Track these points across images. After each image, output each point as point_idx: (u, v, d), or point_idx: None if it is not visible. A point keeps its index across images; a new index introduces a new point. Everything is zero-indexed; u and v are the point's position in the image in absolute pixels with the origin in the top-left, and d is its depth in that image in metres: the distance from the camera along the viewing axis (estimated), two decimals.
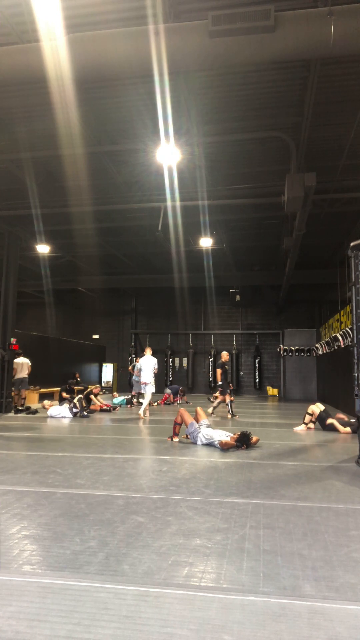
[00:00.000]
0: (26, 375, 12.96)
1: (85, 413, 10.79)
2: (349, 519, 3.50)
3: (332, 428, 8.43)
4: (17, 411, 11.53)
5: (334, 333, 13.11)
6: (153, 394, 10.91)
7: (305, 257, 15.19)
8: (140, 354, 21.96)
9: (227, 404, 10.96)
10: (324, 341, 15.18)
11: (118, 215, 12.29)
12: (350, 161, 9.35)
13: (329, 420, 8.48)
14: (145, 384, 10.68)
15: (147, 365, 10.78)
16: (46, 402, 12.44)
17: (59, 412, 10.82)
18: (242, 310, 21.25)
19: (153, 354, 11.33)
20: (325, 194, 10.27)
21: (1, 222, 12.51)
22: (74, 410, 10.73)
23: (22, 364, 12.96)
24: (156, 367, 10.91)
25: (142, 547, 2.89)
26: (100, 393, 13.08)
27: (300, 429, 8.63)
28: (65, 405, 10.97)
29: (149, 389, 10.68)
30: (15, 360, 12.68)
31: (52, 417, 10.70)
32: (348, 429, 8.21)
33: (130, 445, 6.69)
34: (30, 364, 13.22)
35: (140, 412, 10.60)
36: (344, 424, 8.38)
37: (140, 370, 11.05)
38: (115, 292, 21.63)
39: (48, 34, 5.49)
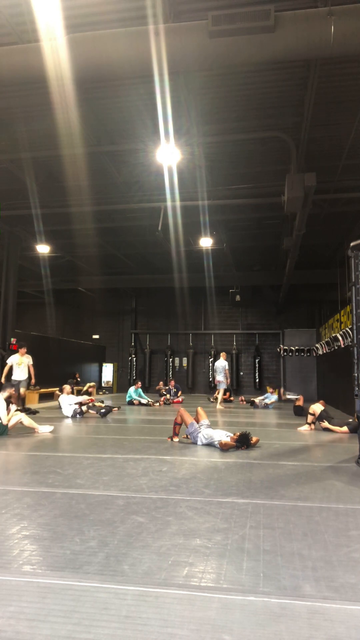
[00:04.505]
0: (26, 377, 11.52)
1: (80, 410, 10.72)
2: (349, 519, 3.50)
3: (328, 430, 8.45)
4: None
5: (334, 333, 13.11)
6: (223, 390, 14.13)
7: (305, 257, 15.19)
8: (140, 354, 22.06)
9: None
10: (324, 341, 15.17)
11: (118, 215, 12.30)
12: (350, 161, 9.35)
13: (324, 424, 8.47)
14: (219, 382, 13.90)
15: (218, 367, 13.94)
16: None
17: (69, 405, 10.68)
18: (242, 310, 21.24)
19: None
20: (325, 194, 10.28)
21: (1, 222, 12.51)
22: (77, 411, 10.66)
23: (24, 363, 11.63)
24: (226, 368, 13.87)
25: (142, 547, 2.89)
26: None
27: (304, 429, 8.62)
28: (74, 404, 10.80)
29: (221, 386, 13.98)
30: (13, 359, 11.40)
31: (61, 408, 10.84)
32: (345, 429, 8.20)
33: (130, 445, 6.69)
34: (31, 363, 11.65)
35: (218, 405, 13.88)
36: (341, 424, 8.38)
37: (215, 371, 14.19)
38: (115, 292, 21.63)
39: (48, 34, 5.49)
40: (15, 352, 12.09)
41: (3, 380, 11.24)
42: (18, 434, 7.67)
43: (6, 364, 11.51)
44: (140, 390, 15.05)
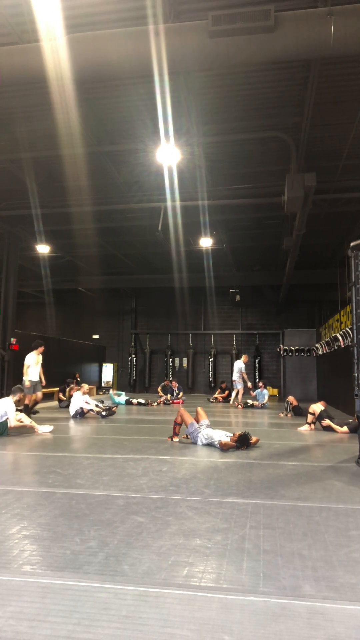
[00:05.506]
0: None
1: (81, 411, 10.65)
2: (349, 519, 3.50)
3: (329, 429, 8.45)
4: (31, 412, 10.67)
5: (334, 333, 13.11)
6: (237, 390, 14.67)
7: (305, 257, 15.19)
8: (140, 354, 22.06)
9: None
10: (324, 341, 15.18)
11: (118, 215, 12.29)
12: (350, 161, 9.34)
13: (325, 422, 8.47)
14: (234, 382, 14.70)
15: (234, 368, 14.88)
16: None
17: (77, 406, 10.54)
18: (242, 310, 21.24)
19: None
20: (325, 194, 10.27)
21: (1, 222, 12.51)
22: (78, 411, 10.62)
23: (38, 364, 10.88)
24: (241, 369, 14.55)
25: (142, 547, 2.89)
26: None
27: (304, 429, 8.62)
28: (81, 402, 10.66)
29: (237, 386, 14.63)
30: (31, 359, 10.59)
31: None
32: (345, 429, 8.20)
33: (130, 445, 6.69)
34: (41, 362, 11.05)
35: (231, 402, 14.81)
36: (341, 424, 8.39)
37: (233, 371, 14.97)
38: (115, 292, 21.63)
39: (48, 34, 5.49)
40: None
41: (27, 383, 10.31)
42: (18, 434, 7.67)
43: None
44: (116, 395, 15.13)
